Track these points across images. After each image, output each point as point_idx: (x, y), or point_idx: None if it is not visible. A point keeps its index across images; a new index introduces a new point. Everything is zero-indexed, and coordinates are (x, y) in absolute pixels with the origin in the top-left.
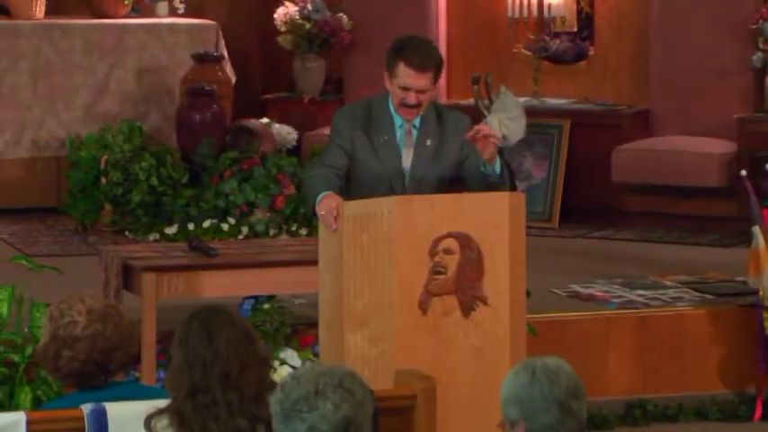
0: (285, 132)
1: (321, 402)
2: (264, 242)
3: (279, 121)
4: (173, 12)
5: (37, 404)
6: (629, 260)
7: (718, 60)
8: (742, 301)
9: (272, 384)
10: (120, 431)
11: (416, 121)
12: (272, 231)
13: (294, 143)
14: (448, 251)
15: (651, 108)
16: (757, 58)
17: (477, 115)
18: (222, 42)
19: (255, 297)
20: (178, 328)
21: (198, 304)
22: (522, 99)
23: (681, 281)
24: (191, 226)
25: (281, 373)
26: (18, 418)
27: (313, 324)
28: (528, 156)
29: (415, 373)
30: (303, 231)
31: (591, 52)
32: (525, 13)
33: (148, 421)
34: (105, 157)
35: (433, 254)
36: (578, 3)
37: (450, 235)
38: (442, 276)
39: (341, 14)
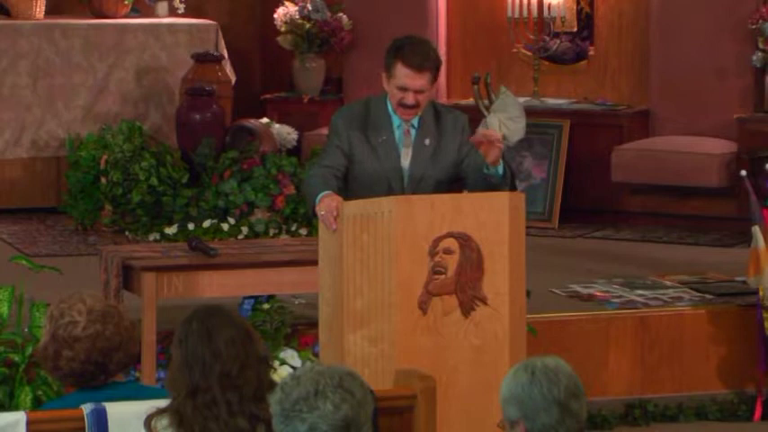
0: (285, 132)
1: (321, 402)
2: (264, 242)
3: (279, 121)
4: (173, 12)
5: (37, 404)
6: (629, 260)
7: (718, 60)
8: (742, 301)
9: (272, 384)
10: (120, 431)
11: (414, 121)
12: (272, 231)
13: (294, 143)
14: (448, 251)
15: (651, 108)
16: (757, 58)
17: (477, 115)
18: (222, 42)
19: (255, 297)
20: (178, 328)
21: (198, 304)
22: (522, 99)
23: (681, 281)
24: (191, 226)
25: (281, 373)
26: (18, 418)
27: (313, 324)
28: (528, 156)
29: (415, 373)
30: (303, 231)
31: (591, 52)
32: (525, 13)
33: (148, 421)
34: (105, 157)
35: (432, 254)
36: (578, 3)
37: (450, 235)
38: (442, 276)
39: (341, 14)
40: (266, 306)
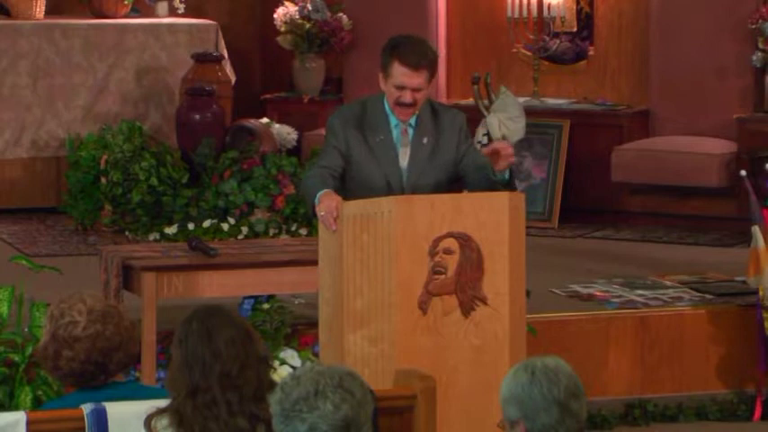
0: (285, 132)
1: (321, 402)
2: (264, 242)
3: (279, 121)
4: (173, 12)
5: (37, 404)
6: (629, 260)
7: (718, 60)
8: (742, 301)
9: (272, 384)
10: (120, 431)
11: (412, 120)
12: (272, 231)
13: (294, 143)
14: (448, 251)
15: (651, 108)
16: (757, 57)
17: (476, 115)
18: (222, 42)
19: (255, 297)
20: (178, 328)
21: (198, 304)
22: (522, 99)
23: (681, 281)
24: (191, 226)
25: (281, 373)
26: (18, 418)
27: (313, 324)
28: (528, 156)
29: (415, 373)
30: (303, 231)
31: (591, 52)
32: (525, 13)
33: (148, 421)
34: (105, 157)
35: (432, 254)
36: (578, 3)
37: (450, 235)
38: (442, 276)
39: (341, 14)
40: (266, 306)
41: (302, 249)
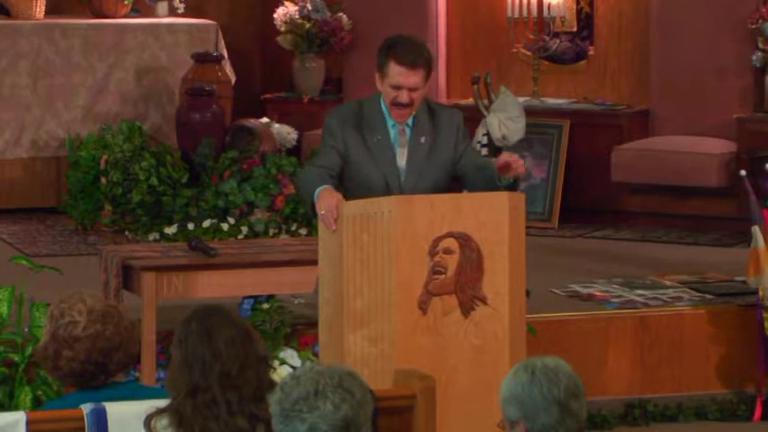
0: (285, 132)
1: (321, 402)
2: (264, 242)
3: (279, 121)
4: (172, 12)
5: (37, 404)
6: (629, 260)
7: (718, 60)
8: (742, 301)
9: (272, 384)
10: (120, 431)
11: (409, 120)
12: (271, 231)
13: (294, 143)
14: (448, 251)
15: (651, 108)
16: (757, 57)
17: (476, 115)
18: (222, 42)
19: (255, 297)
20: (178, 328)
21: (198, 304)
22: (522, 99)
23: (681, 281)
24: (191, 226)
25: (280, 373)
26: (18, 418)
27: (313, 324)
28: (528, 156)
29: (415, 373)
30: (303, 231)
31: (591, 52)
32: (525, 13)
33: (148, 421)
34: (105, 157)
35: (432, 254)
36: (578, 2)
37: (449, 235)
38: (442, 276)
39: (341, 14)
40: (266, 306)
41: (302, 249)
